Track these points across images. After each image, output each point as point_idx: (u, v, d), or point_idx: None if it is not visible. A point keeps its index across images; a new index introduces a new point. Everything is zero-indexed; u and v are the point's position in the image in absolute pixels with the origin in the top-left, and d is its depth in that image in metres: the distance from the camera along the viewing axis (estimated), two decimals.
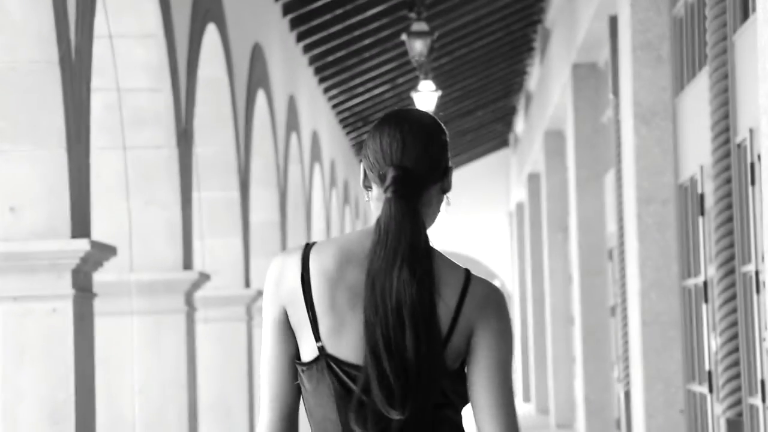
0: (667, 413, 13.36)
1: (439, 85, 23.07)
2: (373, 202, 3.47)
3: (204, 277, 10.63)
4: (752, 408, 10.46)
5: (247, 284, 13.34)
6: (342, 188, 26.21)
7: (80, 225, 7.71)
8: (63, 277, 7.48)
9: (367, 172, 3.47)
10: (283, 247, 16.23)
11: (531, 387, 31.25)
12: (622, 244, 15.64)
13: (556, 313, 25.20)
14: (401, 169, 3.39)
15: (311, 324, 3.38)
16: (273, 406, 3.50)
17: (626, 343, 15.84)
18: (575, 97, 19.99)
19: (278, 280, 3.48)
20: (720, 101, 10.85)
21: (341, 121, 25.74)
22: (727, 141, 10.77)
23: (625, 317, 15.75)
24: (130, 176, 10.32)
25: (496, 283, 39.89)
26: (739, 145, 10.61)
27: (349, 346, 3.36)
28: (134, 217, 10.35)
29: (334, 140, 24.64)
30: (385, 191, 3.39)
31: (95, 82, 9.53)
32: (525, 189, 30.70)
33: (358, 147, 29.09)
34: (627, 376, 15.73)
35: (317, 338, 3.37)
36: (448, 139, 3.48)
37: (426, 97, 21.48)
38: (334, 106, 24.29)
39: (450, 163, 3.49)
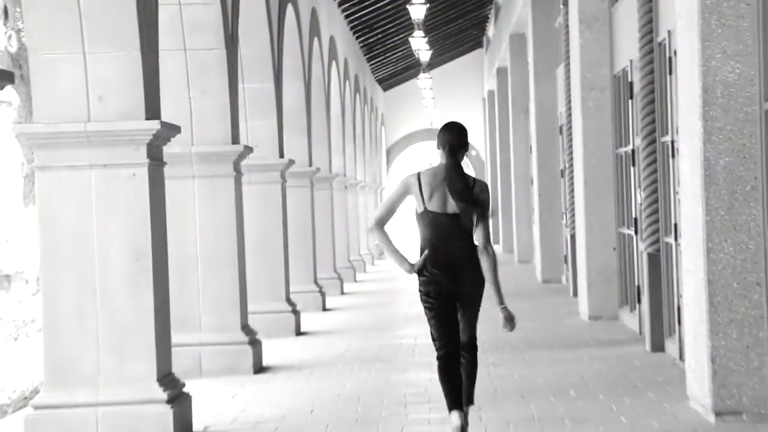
0: (602, 251, 13.49)
1: None
2: (440, 156, 6.87)
3: (248, 150, 10.69)
4: (667, 245, 10.58)
5: (281, 155, 13.40)
6: (353, 81, 26.11)
7: (152, 110, 7.76)
8: (140, 150, 7.54)
9: (438, 144, 6.92)
10: (308, 126, 16.25)
11: (499, 232, 31.45)
12: (569, 121, 15.65)
13: (518, 176, 25.26)
14: (450, 144, 6.87)
15: (422, 197, 6.82)
16: (386, 212, 6.91)
17: (572, 197, 15.93)
18: (534, 7, 19.83)
19: (406, 182, 6.85)
20: (645, 9, 10.79)
21: (352, 28, 25.56)
22: (650, 41, 10.74)
23: (571, 178, 15.82)
24: (189, 72, 10.32)
25: (473, 153, 39.95)
26: (660, 44, 10.58)
27: (436, 206, 6.81)
28: (193, 103, 10.37)
29: (347, 43, 24.49)
30: (444, 151, 6.88)
31: None
32: (495, 80, 30.58)
33: (366, 48, 28.91)
34: (573, 222, 15.85)
35: (424, 203, 6.82)
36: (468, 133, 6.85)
37: (417, 8, 21.29)
38: (347, 16, 24.10)
39: (469, 142, 6.90)
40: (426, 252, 6.78)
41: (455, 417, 6.70)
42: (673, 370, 9.71)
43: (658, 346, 10.69)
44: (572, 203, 15.90)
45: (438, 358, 6.81)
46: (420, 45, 26.00)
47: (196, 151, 10.26)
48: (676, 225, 10.11)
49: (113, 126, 7.46)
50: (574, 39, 13.83)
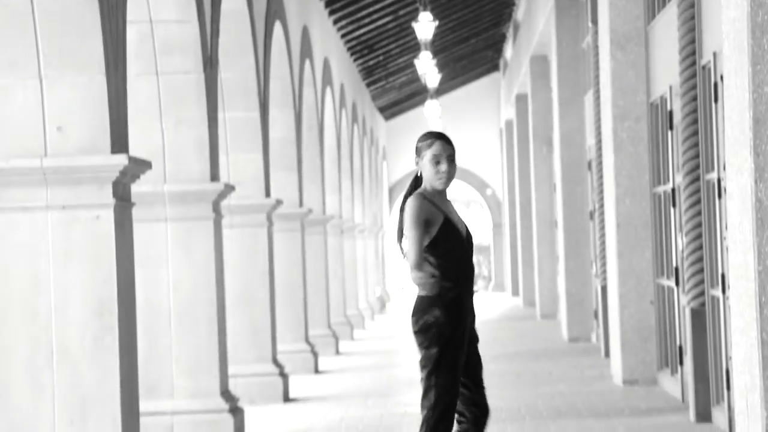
0: (638, 304, 13.44)
1: (437, 16, 22.96)
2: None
3: (229, 188, 10.67)
4: (713, 299, 10.53)
5: (268, 194, 13.39)
6: (351, 109, 26.17)
7: (119, 142, 7.74)
8: (105, 188, 7.52)
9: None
10: (299, 161, 16.26)
11: (519, 283, 31.41)
12: (599, 156, 15.65)
13: (541, 218, 25.27)
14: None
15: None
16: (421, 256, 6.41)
17: (603, 243, 15.90)
18: (558, 26, 19.91)
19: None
20: (687, 28, 10.81)
21: (349, 49, 25.65)
22: (693, 63, 10.75)
23: (602, 221, 15.80)
24: (162, 99, 10.32)
25: (488, 192, 40.03)
26: (704, 67, 10.59)
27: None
28: (166, 135, 10.37)
29: (343, 66, 24.58)
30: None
31: (130, 15, 9.51)
32: (513, 108, 30.66)
33: (365, 72, 29.01)
34: (604, 272, 15.81)
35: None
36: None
37: (424, 26, 21.37)
38: (343, 36, 24.20)
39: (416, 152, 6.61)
40: None
41: None
42: None
43: (703, 416, 10.61)
44: (603, 250, 15.87)
45: None
46: (427, 68, 26.09)
47: (170, 190, 10.25)
48: (723, 275, 10.08)
49: (74, 161, 7.44)
50: (604, 62, 13.86)
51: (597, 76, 15.50)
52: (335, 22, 22.70)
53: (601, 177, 15.67)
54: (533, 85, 25.12)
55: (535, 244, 25.43)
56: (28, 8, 7.40)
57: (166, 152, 10.34)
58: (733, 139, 7.76)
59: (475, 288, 6.65)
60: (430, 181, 6.48)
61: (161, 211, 10.24)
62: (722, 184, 9.96)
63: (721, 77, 9.74)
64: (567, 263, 19.64)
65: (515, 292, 34.22)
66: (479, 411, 6.48)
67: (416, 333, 6.38)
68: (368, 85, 30.89)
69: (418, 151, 6.53)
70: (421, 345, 6.36)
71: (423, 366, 6.35)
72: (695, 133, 10.71)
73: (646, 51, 13.41)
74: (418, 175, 6.56)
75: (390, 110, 37.86)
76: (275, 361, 13.34)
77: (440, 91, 34.92)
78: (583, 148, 19.39)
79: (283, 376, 13.39)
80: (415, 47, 26.49)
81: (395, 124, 39.65)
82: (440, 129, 37.14)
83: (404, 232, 6.41)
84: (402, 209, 6.51)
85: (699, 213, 10.69)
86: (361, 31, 24.60)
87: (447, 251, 6.37)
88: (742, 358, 7.72)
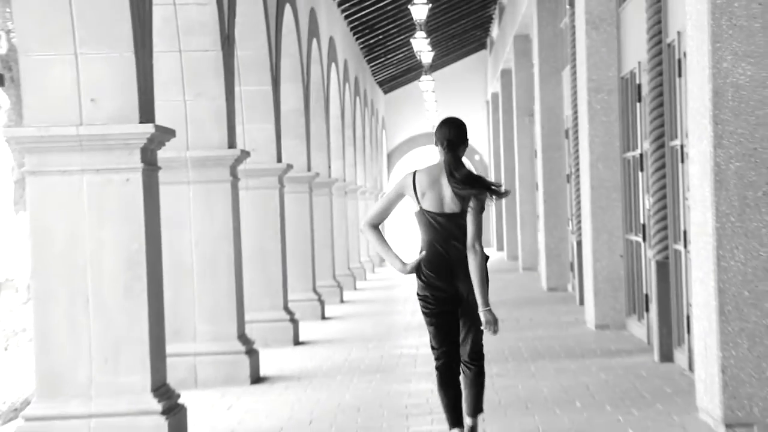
0: (610, 257, 13.50)
1: None
2: (438, 153, 6.68)
3: (245, 154, 10.69)
4: (676, 252, 10.58)
5: (279, 159, 13.41)
6: (353, 83, 26.11)
7: (146, 112, 7.77)
8: (134, 154, 7.55)
9: (436, 141, 6.69)
10: (307, 129, 16.26)
11: (503, 239, 31.43)
12: (576, 125, 15.65)
13: (523, 181, 25.27)
14: (449, 140, 6.66)
15: (416, 196, 6.60)
16: (379, 214, 6.68)
17: (579, 203, 15.93)
18: (539, 8, 19.86)
19: (402, 182, 6.63)
20: (654, 9, 10.81)
21: (352, 29, 25.57)
22: (659, 42, 10.76)
23: (578, 183, 15.83)
24: (184, 74, 10.33)
25: (476, 157, 39.97)
26: (669, 45, 10.60)
27: (431, 205, 6.59)
28: (188, 106, 10.38)
29: (346, 45, 24.50)
30: (443, 148, 6.67)
31: None
32: (499, 82, 30.58)
33: (366, 49, 28.92)
34: (579, 229, 15.85)
35: (419, 202, 6.60)
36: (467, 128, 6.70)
37: (419, 8, 21.29)
38: (347, 17, 24.11)
39: (468, 138, 6.72)
40: (423, 253, 6.60)
41: None
42: (682, 380, 9.70)
43: (666, 356, 10.69)
44: (578, 209, 15.90)
45: (436, 368, 6.70)
46: (422, 46, 26.00)
47: (192, 156, 10.27)
48: (685, 232, 10.12)
49: (106, 130, 7.47)
50: (580, 40, 13.85)
51: (574, 54, 15.48)
52: (339, 4, 22.61)
53: (577, 144, 15.68)
54: (516, 61, 25.07)
55: (518, 204, 25.43)
56: None
57: (188, 122, 10.36)
58: (695, 110, 7.79)
59: None
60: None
61: (184, 175, 10.27)
62: (685, 150, 10.00)
63: (684, 54, 9.76)
64: (546, 221, 19.68)
65: (500, 247, 34.26)
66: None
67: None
68: (369, 61, 30.81)
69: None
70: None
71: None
72: (661, 104, 10.73)
73: (617, 31, 13.40)
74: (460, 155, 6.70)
75: (388, 84, 37.78)
76: (286, 309, 13.41)
77: (434, 67, 34.83)
78: (561, 119, 19.39)
79: (294, 322, 13.46)
80: (411, 27, 26.40)
81: (393, 96, 39.58)
82: (433, 102, 37.12)
83: (482, 205, 6.58)
84: (468, 173, 6.60)
85: (664, 176, 10.73)
86: (363, 12, 24.51)
87: None
88: (701, 305, 7.79)
